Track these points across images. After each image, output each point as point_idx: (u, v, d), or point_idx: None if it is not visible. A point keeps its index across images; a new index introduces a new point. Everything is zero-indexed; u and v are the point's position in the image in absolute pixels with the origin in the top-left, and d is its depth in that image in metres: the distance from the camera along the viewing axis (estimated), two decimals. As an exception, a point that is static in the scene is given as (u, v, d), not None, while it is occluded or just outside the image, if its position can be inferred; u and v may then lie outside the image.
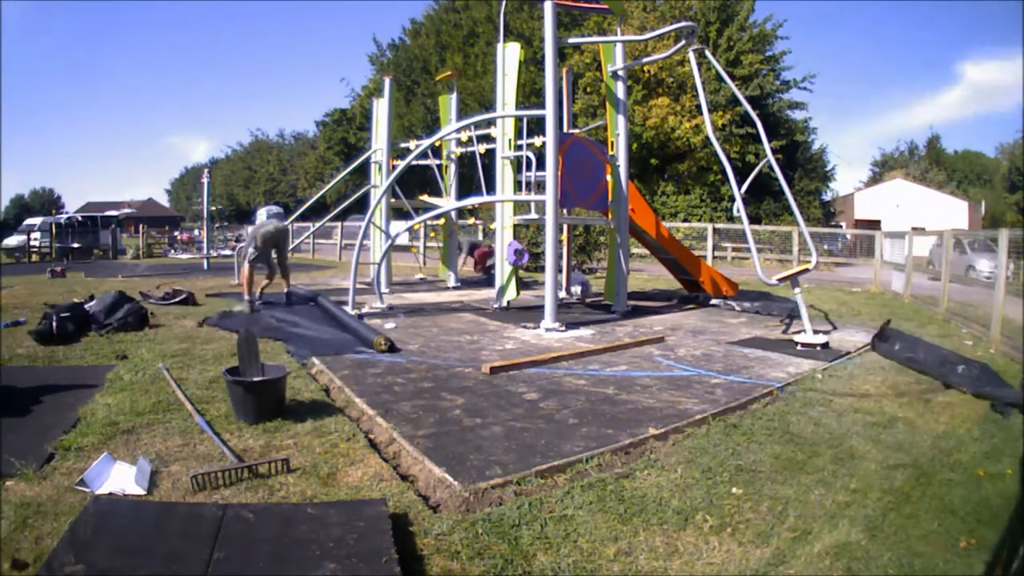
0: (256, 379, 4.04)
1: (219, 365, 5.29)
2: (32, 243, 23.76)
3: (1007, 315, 6.94)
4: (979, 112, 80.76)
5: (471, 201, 10.22)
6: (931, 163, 51.51)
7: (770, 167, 7.41)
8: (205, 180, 19.46)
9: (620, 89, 8.88)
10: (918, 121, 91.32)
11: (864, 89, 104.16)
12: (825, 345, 6.61)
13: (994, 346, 6.85)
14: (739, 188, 7.29)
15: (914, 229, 14.30)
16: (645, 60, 11.17)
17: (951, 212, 34.49)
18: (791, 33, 56.53)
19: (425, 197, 12.38)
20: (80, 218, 26.80)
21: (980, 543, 2.69)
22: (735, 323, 8.36)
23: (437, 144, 10.71)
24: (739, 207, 7.35)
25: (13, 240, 25.02)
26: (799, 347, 6.59)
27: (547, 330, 7.26)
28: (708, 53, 8.76)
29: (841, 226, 33.31)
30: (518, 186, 8.63)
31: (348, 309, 8.18)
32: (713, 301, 10.04)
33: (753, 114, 8.15)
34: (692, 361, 5.95)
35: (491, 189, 9.01)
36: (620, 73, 8.84)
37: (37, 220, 25.96)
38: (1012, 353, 6.37)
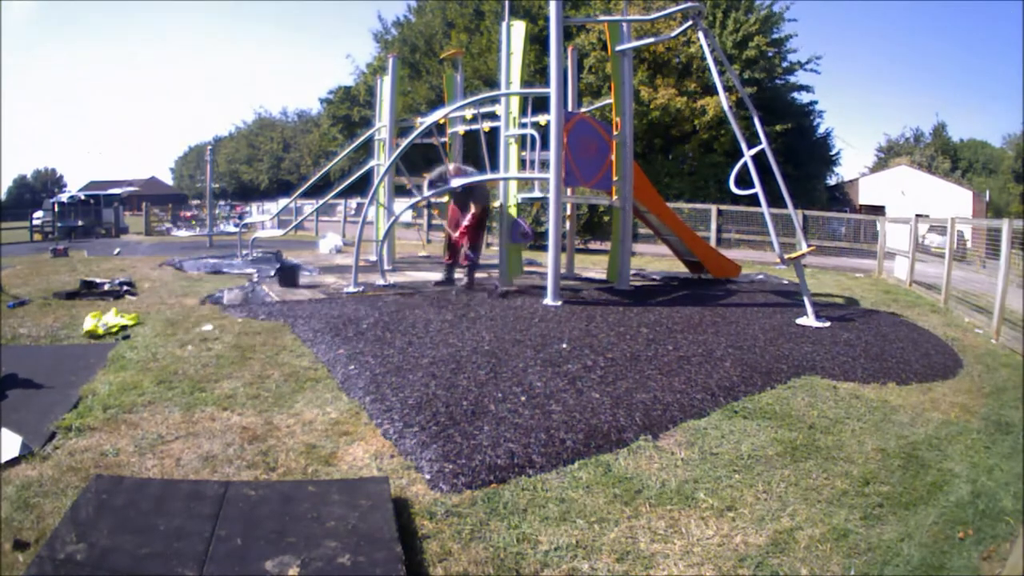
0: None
1: (219, 343, 5.29)
2: (35, 223, 23.70)
3: (1009, 306, 6.91)
4: (984, 100, 79.66)
5: (475, 179, 10.16)
6: (937, 151, 50.85)
7: (763, 153, 7.41)
8: (208, 158, 19.41)
9: (625, 69, 8.78)
10: (924, 106, 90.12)
11: (870, 74, 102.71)
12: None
13: (995, 336, 6.83)
14: (756, 171, 7.29)
15: (918, 216, 14.16)
16: (651, 40, 11.02)
17: (956, 200, 34.16)
18: (798, 16, 55.82)
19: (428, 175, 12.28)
20: (83, 197, 26.67)
21: (977, 533, 2.70)
22: (738, 305, 8.32)
23: (441, 122, 10.60)
24: (758, 191, 7.40)
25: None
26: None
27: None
28: (712, 35, 8.65)
29: (845, 210, 33.06)
30: (523, 164, 8.58)
31: (351, 288, 8.17)
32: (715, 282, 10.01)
33: (748, 101, 8.08)
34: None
35: (495, 167, 8.95)
36: (626, 52, 8.75)
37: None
38: (1014, 344, 6.35)
